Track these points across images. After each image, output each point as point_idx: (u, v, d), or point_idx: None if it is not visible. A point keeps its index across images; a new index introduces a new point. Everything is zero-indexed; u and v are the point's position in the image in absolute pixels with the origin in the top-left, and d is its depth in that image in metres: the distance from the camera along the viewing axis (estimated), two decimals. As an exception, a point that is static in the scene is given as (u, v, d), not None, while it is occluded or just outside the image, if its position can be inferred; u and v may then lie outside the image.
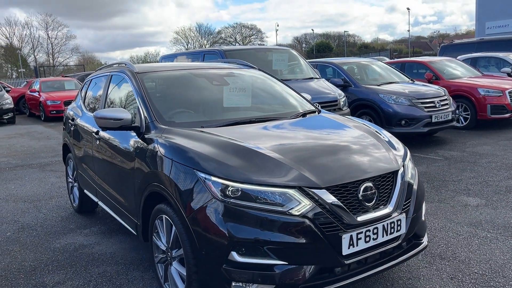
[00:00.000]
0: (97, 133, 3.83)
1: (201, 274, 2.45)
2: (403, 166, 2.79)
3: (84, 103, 4.68)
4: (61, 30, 60.60)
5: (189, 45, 67.64)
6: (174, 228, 2.61)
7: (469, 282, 2.96)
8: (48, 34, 59.98)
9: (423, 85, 8.43)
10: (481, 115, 8.73)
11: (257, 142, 2.74)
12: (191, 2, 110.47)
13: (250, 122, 3.23)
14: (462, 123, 9.01)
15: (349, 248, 2.37)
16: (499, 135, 8.27)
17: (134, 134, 3.20)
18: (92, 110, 4.26)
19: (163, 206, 2.72)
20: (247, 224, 2.29)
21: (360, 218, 2.42)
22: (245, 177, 2.37)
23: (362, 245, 2.42)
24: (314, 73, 7.74)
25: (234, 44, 66.50)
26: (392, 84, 8.27)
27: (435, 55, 23.89)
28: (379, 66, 9.19)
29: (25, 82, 22.16)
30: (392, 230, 2.54)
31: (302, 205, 2.31)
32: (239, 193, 2.33)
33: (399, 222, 2.57)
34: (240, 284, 2.32)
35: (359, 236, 2.40)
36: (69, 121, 4.82)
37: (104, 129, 3.40)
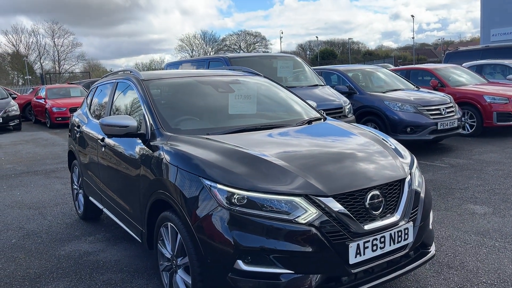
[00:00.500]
0: (102, 140, 3.83)
1: (207, 283, 2.43)
2: (410, 174, 2.77)
3: (89, 110, 4.69)
4: (67, 38, 61.31)
5: (194, 52, 68.11)
6: (179, 235, 2.60)
7: (477, 292, 2.92)
8: (54, 41, 60.66)
9: (429, 92, 8.41)
10: (487, 122, 8.69)
11: (262, 149, 2.73)
12: (196, 10, 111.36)
13: (255, 129, 3.23)
14: (468, 130, 8.97)
15: (356, 257, 2.35)
16: (505, 142, 8.21)
17: (140, 141, 3.20)
18: (98, 117, 4.27)
19: (169, 214, 2.71)
20: (253, 232, 2.27)
21: (367, 227, 2.40)
22: (251, 185, 2.36)
23: (369, 254, 2.39)
24: (319, 80, 7.74)
25: (238, 51, 66.81)
26: (397, 91, 8.25)
27: (439, 62, 23.83)
28: (384, 73, 9.17)
29: (31, 89, 22.30)
30: (400, 239, 2.51)
31: (308, 214, 2.30)
32: (245, 201, 2.32)
33: (406, 231, 2.54)
34: (246, 292, 2.29)
35: (366, 245, 2.38)
36: (75, 128, 4.84)
37: (110, 136, 3.40)
